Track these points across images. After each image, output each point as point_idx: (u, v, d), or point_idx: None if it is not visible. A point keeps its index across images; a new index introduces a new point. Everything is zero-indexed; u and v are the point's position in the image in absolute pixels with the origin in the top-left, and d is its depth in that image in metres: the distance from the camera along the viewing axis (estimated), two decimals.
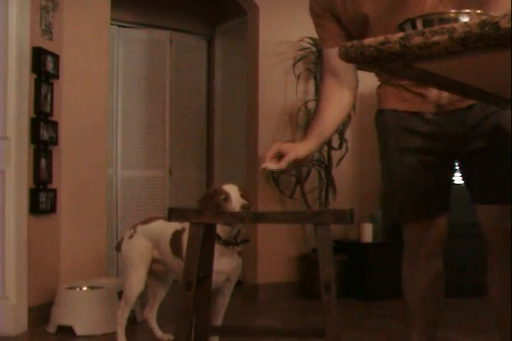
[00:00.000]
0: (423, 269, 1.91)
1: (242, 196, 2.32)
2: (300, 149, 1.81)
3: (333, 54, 1.76)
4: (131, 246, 2.73)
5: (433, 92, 1.78)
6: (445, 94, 1.76)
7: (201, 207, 2.33)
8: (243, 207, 2.26)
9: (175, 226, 2.54)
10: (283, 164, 1.75)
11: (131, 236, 2.76)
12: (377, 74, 1.90)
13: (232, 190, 2.33)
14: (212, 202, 2.32)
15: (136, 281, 2.69)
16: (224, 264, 2.41)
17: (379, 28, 1.71)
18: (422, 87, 1.76)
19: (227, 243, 2.40)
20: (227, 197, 2.31)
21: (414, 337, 1.91)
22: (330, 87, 1.88)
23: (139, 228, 2.76)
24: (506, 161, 1.71)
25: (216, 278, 2.15)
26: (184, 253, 2.28)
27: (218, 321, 2.54)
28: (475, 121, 1.77)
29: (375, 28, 1.73)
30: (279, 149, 1.78)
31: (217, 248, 2.14)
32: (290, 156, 1.76)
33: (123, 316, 2.75)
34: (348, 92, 1.88)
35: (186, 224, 2.18)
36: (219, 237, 2.32)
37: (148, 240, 2.72)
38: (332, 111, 1.86)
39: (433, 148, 1.82)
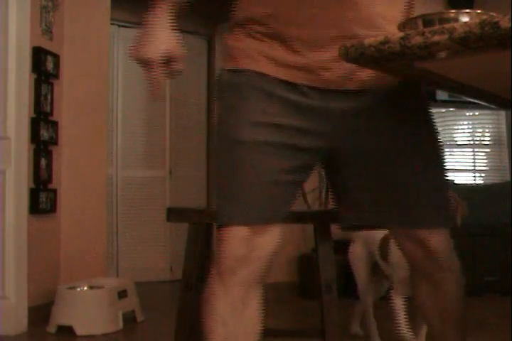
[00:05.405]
0: (235, 298, 1.30)
1: None
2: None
3: None
4: (352, 254, 2.96)
5: (331, 62, 1.30)
6: (346, 66, 1.21)
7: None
8: None
9: (383, 232, 2.59)
10: (181, 66, 1.36)
11: (352, 244, 2.95)
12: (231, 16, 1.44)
13: None
14: None
15: (362, 286, 2.86)
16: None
17: None
18: (316, 47, 1.31)
19: None
20: None
21: None
22: None
23: (355, 236, 2.93)
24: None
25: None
26: (390, 258, 2.45)
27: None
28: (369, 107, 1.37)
29: None
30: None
31: None
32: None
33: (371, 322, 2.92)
34: None
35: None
36: None
37: (365, 246, 2.85)
38: None
39: (309, 132, 1.35)
